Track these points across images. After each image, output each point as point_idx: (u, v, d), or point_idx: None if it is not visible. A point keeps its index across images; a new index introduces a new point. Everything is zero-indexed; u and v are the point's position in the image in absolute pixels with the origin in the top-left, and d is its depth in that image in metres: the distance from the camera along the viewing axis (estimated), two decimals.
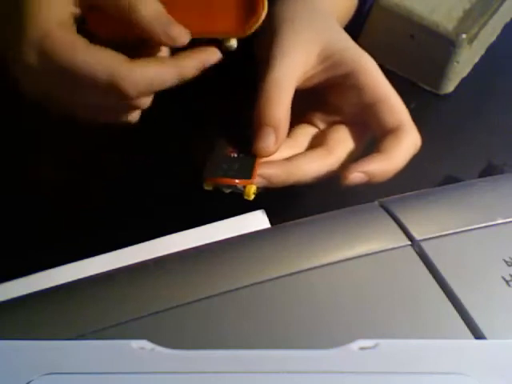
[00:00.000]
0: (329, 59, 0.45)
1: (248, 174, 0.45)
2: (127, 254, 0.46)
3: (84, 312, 0.36)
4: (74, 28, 0.42)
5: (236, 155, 0.46)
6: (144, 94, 0.42)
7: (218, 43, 0.44)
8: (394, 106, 0.45)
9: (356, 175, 0.44)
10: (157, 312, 0.35)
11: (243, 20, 0.44)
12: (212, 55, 0.43)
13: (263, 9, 0.43)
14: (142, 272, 0.39)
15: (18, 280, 0.45)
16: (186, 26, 0.43)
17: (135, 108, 0.44)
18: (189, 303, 0.36)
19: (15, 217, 0.50)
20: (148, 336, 0.32)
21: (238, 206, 0.50)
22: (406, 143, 0.45)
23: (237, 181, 0.45)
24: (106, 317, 0.35)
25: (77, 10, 0.42)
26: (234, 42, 0.44)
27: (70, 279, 0.40)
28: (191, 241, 0.43)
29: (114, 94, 0.41)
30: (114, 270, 0.40)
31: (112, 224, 0.50)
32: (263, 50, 0.46)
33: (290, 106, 0.44)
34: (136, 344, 0.32)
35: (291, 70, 0.45)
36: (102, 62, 0.41)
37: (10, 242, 0.49)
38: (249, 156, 0.46)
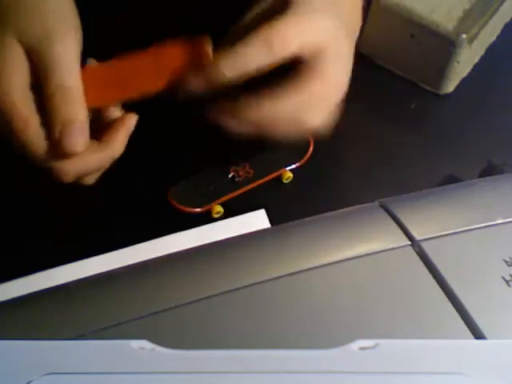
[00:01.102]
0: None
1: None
2: (127, 254, 0.47)
3: (84, 312, 0.36)
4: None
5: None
6: (81, 177, 0.43)
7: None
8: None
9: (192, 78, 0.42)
10: (157, 312, 0.36)
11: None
12: (131, 121, 0.44)
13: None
14: (142, 272, 0.39)
15: (18, 280, 0.45)
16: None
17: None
18: (189, 303, 0.36)
19: (15, 217, 0.50)
20: (148, 336, 0.32)
21: (238, 206, 0.50)
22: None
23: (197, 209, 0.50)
24: (106, 317, 0.35)
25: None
26: None
27: (69, 279, 0.40)
28: (191, 241, 0.43)
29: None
30: (113, 269, 0.40)
31: (112, 224, 0.50)
32: None
33: None
34: (136, 344, 0.32)
35: None
36: (38, 149, 0.41)
37: (10, 242, 0.49)
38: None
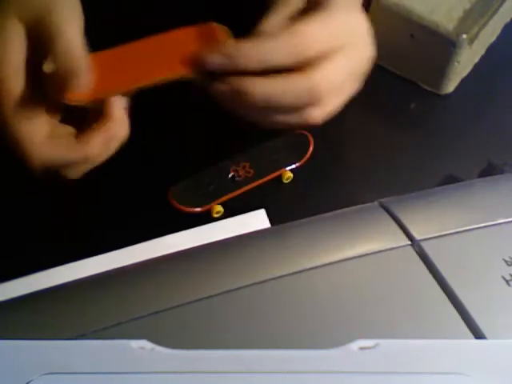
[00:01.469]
0: None
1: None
2: (127, 254, 0.46)
3: (84, 312, 0.36)
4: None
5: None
6: (50, 168, 0.42)
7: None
8: None
9: (214, 57, 0.41)
10: (157, 312, 0.36)
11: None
12: (120, 128, 0.42)
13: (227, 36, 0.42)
14: (142, 272, 0.39)
15: (18, 280, 0.45)
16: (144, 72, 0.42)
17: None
18: (189, 303, 0.36)
19: (15, 217, 0.50)
20: (148, 336, 0.32)
21: (238, 206, 0.50)
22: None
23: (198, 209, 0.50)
24: (107, 317, 0.35)
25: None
26: None
27: (69, 279, 0.40)
28: (191, 241, 0.43)
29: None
30: (114, 269, 0.40)
31: (112, 224, 0.50)
32: None
33: None
34: (136, 344, 0.32)
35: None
36: (21, 134, 0.41)
37: (10, 242, 0.49)
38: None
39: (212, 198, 0.50)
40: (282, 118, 0.45)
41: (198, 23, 0.43)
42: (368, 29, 0.45)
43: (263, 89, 0.42)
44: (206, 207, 0.50)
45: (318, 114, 0.45)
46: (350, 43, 0.44)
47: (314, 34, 0.42)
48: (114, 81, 0.42)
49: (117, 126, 0.42)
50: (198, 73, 0.42)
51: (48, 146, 0.42)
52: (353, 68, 0.45)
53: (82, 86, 0.41)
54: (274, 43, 0.42)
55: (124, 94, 0.42)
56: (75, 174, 0.44)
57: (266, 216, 0.49)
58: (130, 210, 0.50)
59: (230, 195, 0.50)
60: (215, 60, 0.41)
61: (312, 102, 0.43)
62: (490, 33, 0.60)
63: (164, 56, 0.42)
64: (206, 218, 0.50)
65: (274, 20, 0.44)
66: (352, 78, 0.45)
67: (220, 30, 0.43)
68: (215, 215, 0.50)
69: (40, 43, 0.41)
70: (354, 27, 0.45)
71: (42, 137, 0.42)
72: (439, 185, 0.52)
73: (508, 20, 0.63)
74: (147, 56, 0.43)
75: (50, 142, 0.42)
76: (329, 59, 0.43)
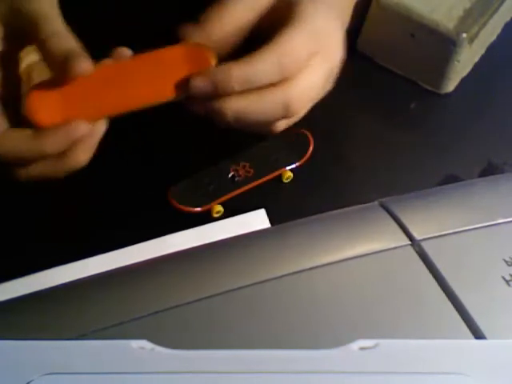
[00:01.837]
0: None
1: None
2: (127, 254, 0.46)
3: (84, 312, 0.36)
4: None
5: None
6: (11, 162, 0.41)
7: None
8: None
9: (199, 82, 0.41)
10: (157, 312, 0.36)
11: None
12: (79, 130, 0.41)
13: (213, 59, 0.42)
14: (142, 272, 0.39)
15: (18, 280, 0.45)
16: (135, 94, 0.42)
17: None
18: (189, 303, 0.36)
19: (15, 217, 0.50)
20: (148, 336, 0.32)
21: (238, 205, 0.50)
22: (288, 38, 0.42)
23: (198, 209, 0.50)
24: (107, 317, 0.35)
25: None
26: None
27: (69, 279, 0.40)
28: (191, 241, 0.43)
29: None
30: (114, 269, 0.40)
31: (112, 224, 0.50)
32: None
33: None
34: (136, 344, 0.32)
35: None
36: None
37: (10, 242, 0.49)
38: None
39: (212, 198, 0.50)
40: (255, 129, 0.45)
41: (183, 41, 0.43)
42: (338, 31, 0.45)
43: (236, 108, 0.42)
44: (206, 207, 0.50)
45: (286, 124, 0.46)
46: (323, 49, 0.44)
47: (298, 50, 0.42)
48: (95, 105, 0.41)
49: (80, 126, 0.41)
50: (182, 96, 0.42)
51: (4, 138, 0.41)
52: (325, 75, 0.45)
53: (86, 67, 0.40)
54: (257, 64, 0.41)
55: (104, 118, 0.41)
56: (32, 174, 0.42)
57: (266, 216, 0.49)
58: (130, 210, 0.50)
59: (230, 195, 0.50)
60: (202, 87, 0.41)
61: (285, 115, 0.44)
62: (490, 32, 0.60)
63: (150, 79, 0.42)
64: (206, 218, 0.50)
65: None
66: (324, 84, 0.45)
67: (206, 51, 0.43)
68: (215, 215, 0.50)
69: (17, 33, 0.41)
70: (326, 33, 0.44)
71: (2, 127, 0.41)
72: (439, 185, 0.52)
73: (508, 19, 0.63)
74: (132, 78, 0.42)
75: (7, 134, 0.41)
76: (303, 71, 0.43)
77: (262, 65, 0.41)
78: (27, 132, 0.41)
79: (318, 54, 0.43)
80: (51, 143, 0.41)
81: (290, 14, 0.43)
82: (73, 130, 0.40)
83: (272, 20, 0.44)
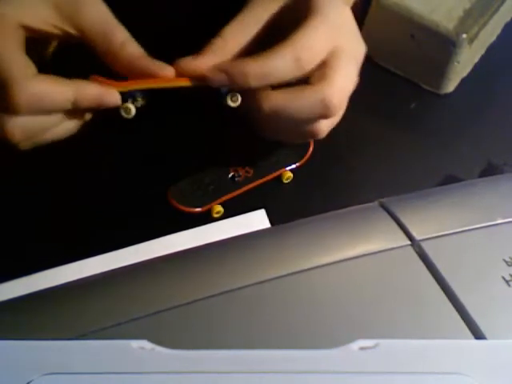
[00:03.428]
0: None
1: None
2: (127, 254, 0.46)
3: (84, 312, 0.36)
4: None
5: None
6: (35, 108, 0.41)
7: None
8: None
9: (216, 74, 0.42)
10: (157, 312, 0.36)
11: None
12: (111, 97, 0.42)
13: None
14: (142, 272, 0.39)
15: (18, 280, 0.45)
16: None
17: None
18: (189, 303, 0.36)
19: (15, 217, 0.50)
20: (148, 336, 0.32)
21: (238, 206, 0.50)
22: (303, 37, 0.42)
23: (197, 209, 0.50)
24: (106, 317, 0.35)
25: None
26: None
27: (69, 279, 0.40)
28: (191, 241, 0.43)
29: (6, 100, 0.41)
30: (113, 269, 0.40)
31: (112, 224, 0.50)
32: None
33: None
34: (136, 344, 0.32)
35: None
36: (8, 65, 0.41)
37: (10, 242, 0.49)
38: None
39: (212, 198, 0.50)
40: (293, 131, 0.46)
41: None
42: (354, 21, 0.45)
43: (274, 101, 0.43)
44: (206, 207, 0.50)
45: (327, 126, 0.46)
46: (346, 43, 0.44)
47: (314, 44, 0.42)
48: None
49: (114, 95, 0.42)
50: (197, 84, 0.43)
51: (38, 80, 0.41)
52: (354, 69, 0.45)
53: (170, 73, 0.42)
54: (275, 60, 0.42)
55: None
56: (56, 135, 0.43)
57: (265, 216, 0.49)
58: (129, 210, 0.50)
59: (230, 195, 0.50)
60: (217, 78, 0.42)
61: (325, 114, 0.44)
62: (490, 32, 0.60)
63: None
64: (206, 218, 0.50)
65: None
66: (355, 78, 0.45)
67: None
68: (215, 215, 0.50)
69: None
70: (345, 24, 0.45)
71: (32, 72, 0.41)
72: (439, 185, 0.52)
73: (508, 19, 0.63)
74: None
75: (40, 76, 0.41)
76: (335, 68, 0.43)
77: (280, 60, 0.41)
78: (61, 79, 0.42)
79: (343, 50, 0.43)
80: (87, 91, 0.42)
81: (307, 9, 0.43)
82: (109, 95, 0.42)
83: (290, 18, 0.44)
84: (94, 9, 0.43)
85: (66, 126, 0.44)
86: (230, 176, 0.51)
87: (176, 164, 0.51)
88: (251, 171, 0.51)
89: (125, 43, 0.42)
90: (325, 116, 0.44)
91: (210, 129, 0.52)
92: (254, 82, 0.42)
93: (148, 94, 0.43)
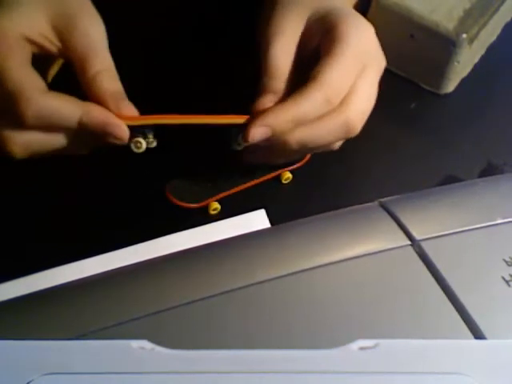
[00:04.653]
0: (318, 22, 0.45)
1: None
2: (127, 254, 0.46)
3: (84, 312, 0.36)
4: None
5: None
6: (42, 124, 0.41)
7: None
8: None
9: (257, 130, 0.43)
10: (157, 312, 0.36)
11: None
12: (118, 128, 0.42)
13: None
14: (142, 272, 0.39)
15: (18, 280, 0.45)
16: None
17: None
18: (189, 303, 0.36)
19: (15, 217, 0.50)
20: (148, 336, 0.32)
21: (237, 205, 0.50)
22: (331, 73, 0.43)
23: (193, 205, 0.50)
24: (106, 317, 0.35)
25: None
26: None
27: (69, 279, 0.40)
28: (191, 241, 0.43)
29: (13, 114, 0.40)
30: (113, 269, 0.40)
31: (110, 221, 0.49)
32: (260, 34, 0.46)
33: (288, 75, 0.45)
34: (136, 344, 0.32)
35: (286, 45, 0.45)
36: (18, 79, 0.40)
37: (10, 242, 0.49)
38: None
39: (209, 195, 0.50)
40: (310, 152, 0.49)
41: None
42: (375, 37, 0.46)
43: (299, 136, 0.43)
44: (203, 203, 0.50)
45: (345, 140, 0.47)
46: (370, 63, 0.45)
47: (341, 81, 0.43)
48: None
49: (121, 128, 0.42)
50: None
51: (48, 96, 0.40)
52: (374, 85, 0.46)
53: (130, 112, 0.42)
54: (307, 105, 0.42)
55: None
56: (62, 144, 0.43)
57: (266, 216, 0.49)
58: (128, 209, 0.50)
59: (227, 192, 0.50)
60: (258, 135, 0.43)
61: (348, 136, 0.45)
62: (490, 32, 0.60)
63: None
64: (204, 216, 0.50)
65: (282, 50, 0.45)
66: (376, 94, 0.46)
67: None
68: (212, 212, 0.50)
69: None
70: (368, 45, 0.45)
71: (42, 87, 0.41)
72: (439, 185, 0.52)
73: (508, 19, 0.63)
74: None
75: (50, 93, 0.41)
76: (359, 93, 0.44)
77: (312, 104, 0.42)
78: (72, 97, 0.41)
79: (367, 66, 0.44)
80: (94, 116, 0.41)
81: (331, 39, 0.44)
82: (115, 125, 0.42)
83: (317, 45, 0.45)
84: (84, 28, 0.42)
85: (67, 148, 0.43)
86: (228, 173, 0.51)
87: (175, 162, 0.51)
88: (250, 170, 0.51)
89: (98, 75, 0.41)
90: (347, 137, 0.46)
91: (209, 128, 0.52)
92: (290, 127, 0.43)
93: (159, 131, 0.44)
